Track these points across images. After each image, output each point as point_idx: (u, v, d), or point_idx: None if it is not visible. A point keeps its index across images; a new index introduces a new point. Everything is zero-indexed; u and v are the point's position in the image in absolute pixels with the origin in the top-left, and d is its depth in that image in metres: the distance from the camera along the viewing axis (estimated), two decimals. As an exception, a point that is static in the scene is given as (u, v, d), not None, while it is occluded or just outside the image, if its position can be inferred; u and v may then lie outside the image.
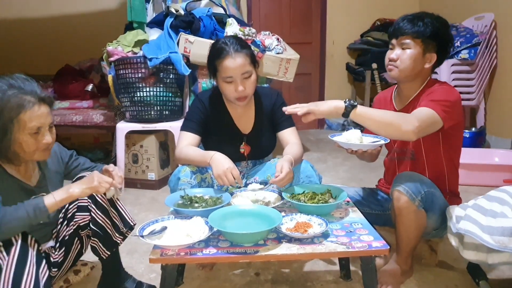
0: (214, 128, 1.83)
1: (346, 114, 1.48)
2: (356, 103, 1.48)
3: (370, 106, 1.98)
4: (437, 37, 1.61)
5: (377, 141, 1.63)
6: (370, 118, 1.49)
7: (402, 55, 1.64)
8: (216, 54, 1.71)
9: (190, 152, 1.73)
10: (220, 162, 1.59)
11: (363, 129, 1.72)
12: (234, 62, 1.66)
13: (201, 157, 1.67)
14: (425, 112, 1.51)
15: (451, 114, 1.55)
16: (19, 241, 1.27)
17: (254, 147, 1.86)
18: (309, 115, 1.51)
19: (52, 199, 1.29)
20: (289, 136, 1.83)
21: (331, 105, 1.50)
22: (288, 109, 1.54)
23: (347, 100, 1.49)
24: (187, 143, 1.76)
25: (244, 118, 1.86)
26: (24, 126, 1.30)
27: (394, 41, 1.67)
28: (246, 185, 1.85)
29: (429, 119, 1.50)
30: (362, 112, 1.48)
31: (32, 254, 1.27)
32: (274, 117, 1.86)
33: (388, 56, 1.69)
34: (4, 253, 1.24)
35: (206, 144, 1.85)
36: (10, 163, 1.38)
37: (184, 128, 1.82)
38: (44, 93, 1.35)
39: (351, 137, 1.61)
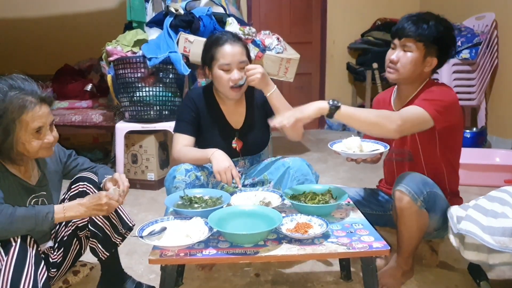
0: (206, 124, 1.83)
1: (330, 115, 1.45)
2: (339, 104, 1.45)
3: (371, 106, 1.98)
4: (440, 41, 1.60)
5: (376, 149, 1.62)
6: (354, 118, 1.48)
7: (402, 58, 1.63)
8: (214, 42, 1.73)
9: (190, 151, 1.74)
10: (221, 159, 1.62)
11: (362, 135, 1.72)
12: (233, 49, 1.70)
13: (201, 154, 1.70)
14: (413, 111, 1.51)
15: (444, 114, 1.54)
16: (18, 241, 1.26)
17: (246, 142, 1.85)
18: (298, 123, 1.46)
19: (61, 215, 1.32)
20: None
21: (315, 108, 1.46)
22: (276, 124, 1.48)
23: (330, 100, 1.46)
24: (183, 145, 1.77)
25: (235, 113, 1.86)
26: (26, 127, 1.30)
27: (396, 41, 1.65)
28: (244, 185, 1.85)
29: (416, 118, 1.50)
30: (346, 112, 1.46)
31: (31, 255, 1.27)
32: (268, 108, 1.82)
33: (388, 57, 1.68)
34: (3, 253, 1.24)
35: (198, 140, 1.84)
36: (14, 163, 1.39)
37: (177, 129, 1.81)
38: (44, 93, 1.36)
39: (351, 145, 1.61)
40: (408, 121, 1.48)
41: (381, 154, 1.71)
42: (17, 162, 1.38)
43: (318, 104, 1.46)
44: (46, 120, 1.34)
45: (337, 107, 1.44)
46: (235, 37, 1.75)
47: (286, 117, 1.46)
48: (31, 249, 1.28)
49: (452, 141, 1.68)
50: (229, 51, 1.69)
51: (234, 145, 1.84)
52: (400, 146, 1.76)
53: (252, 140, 1.87)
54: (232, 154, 1.81)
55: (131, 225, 1.54)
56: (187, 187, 1.65)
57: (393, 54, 1.65)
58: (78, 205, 1.34)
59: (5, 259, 1.23)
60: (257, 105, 1.87)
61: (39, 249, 1.34)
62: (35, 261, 1.27)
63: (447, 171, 1.72)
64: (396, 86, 1.81)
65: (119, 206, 1.53)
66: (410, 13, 1.66)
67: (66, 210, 1.32)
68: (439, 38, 1.59)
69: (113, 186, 1.43)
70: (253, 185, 1.83)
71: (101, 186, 1.50)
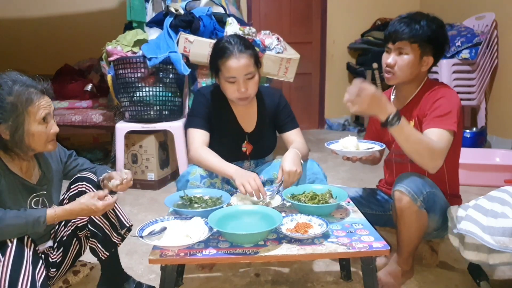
0: (217, 124, 1.81)
1: (384, 124, 1.47)
2: (399, 122, 1.45)
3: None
4: (434, 40, 1.60)
5: (372, 148, 1.62)
6: (404, 136, 1.48)
7: (399, 61, 1.62)
8: (220, 53, 1.68)
9: (209, 158, 1.66)
10: (244, 172, 1.58)
11: (363, 133, 1.71)
12: (238, 62, 1.64)
13: (222, 167, 1.62)
14: (444, 138, 1.53)
15: (459, 122, 1.58)
16: (15, 242, 1.26)
17: (256, 146, 1.84)
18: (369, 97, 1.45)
19: (53, 217, 1.32)
20: (294, 137, 1.83)
21: (381, 107, 1.45)
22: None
23: (396, 113, 1.46)
24: (201, 142, 1.72)
25: (247, 117, 1.85)
26: (34, 118, 1.34)
27: (390, 45, 1.64)
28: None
29: (448, 145, 1.54)
30: (402, 127, 1.46)
31: (28, 255, 1.26)
32: (278, 118, 1.85)
33: (385, 61, 1.67)
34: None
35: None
36: (20, 159, 1.40)
37: (192, 125, 1.77)
38: (43, 85, 1.39)
39: (348, 144, 1.62)
40: (444, 154, 1.53)
41: (381, 154, 1.71)
42: (23, 157, 1.40)
43: (386, 107, 1.45)
44: (49, 109, 1.38)
45: (399, 119, 1.45)
46: (242, 46, 1.67)
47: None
48: (28, 249, 1.28)
49: (454, 141, 1.68)
50: (234, 65, 1.64)
51: (244, 149, 1.83)
52: (400, 147, 1.76)
53: (262, 144, 1.86)
54: (240, 156, 1.81)
55: (128, 225, 1.55)
56: None
57: (389, 58, 1.64)
58: (70, 211, 1.35)
59: (1, 260, 1.23)
60: (268, 110, 1.85)
61: (37, 249, 1.34)
62: (32, 260, 1.27)
63: (448, 172, 1.72)
64: (394, 87, 1.81)
65: (118, 206, 1.54)
66: (400, 15, 1.65)
67: (58, 216, 1.33)
68: (433, 36, 1.59)
69: (124, 170, 1.47)
70: (262, 184, 1.82)
71: (100, 179, 1.51)
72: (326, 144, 1.67)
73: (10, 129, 1.32)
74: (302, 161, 1.65)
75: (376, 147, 1.66)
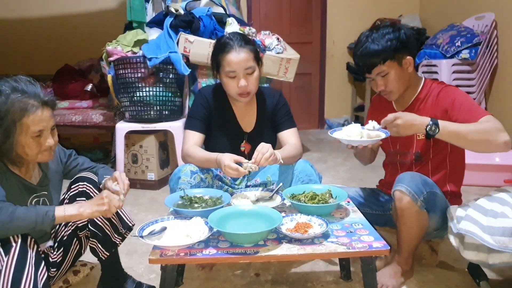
0: (216, 123, 1.82)
1: (429, 135, 1.48)
2: (438, 128, 1.47)
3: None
4: (401, 44, 1.60)
5: (378, 135, 1.61)
6: (457, 136, 1.48)
7: (387, 81, 1.64)
8: (220, 49, 1.71)
9: (197, 152, 1.72)
10: (220, 160, 1.59)
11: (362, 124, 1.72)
12: (238, 56, 1.67)
13: (206, 158, 1.67)
14: (492, 118, 1.52)
15: None
16: (19, 242, 1.26)
17: (254, 146, 1.84)
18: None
19: (62, 213, 1.29)
20: (289, 137, 1.82)
21: (416, 125, 1.49)
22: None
23: (431, 121, 1.48)
24: (192, 143, 1.76)
25: (247, 116, 1.85)
26: (27, 130, 1.30)
27: (368, 75, 1.67)
28: (247, 186, 1.84)
29: (498, 121, 1.52)
30: (447, 129, 1.47)
31: (31, 255, 1.26)
32: (276, 117, 1.86)
33: (376, 88, 1.69)
34: (3, 254, 1.23)
35: (207, 139, 1.83)
36: (14, 165, 1.39)
37: (188, 126, 1.81)
38: (47, 96, 1.36)
39: (351, 132, 1.61)
40: (503, 128, 1.49)
41: (375, 153, 1.71)
42: (16, 163, 1.39)
43: (420, 119, 1.49)
44: (47, 124, 1.34)
45: (437, 125, 1.47)
46: (243, 41, 1.71)
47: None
48: (31, 249, 1.28)
49: None
50: (234, 59, 1.67)
51: (242, 148, 1.83)
52: (405, 148, 1.77)
53: None
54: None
55: (131, 224, 1.55)
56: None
57: (377, 84, 1.67)
58: (79, 205, 1.34)
59: (5, 260, 1.23)
60: (268, 110, 1.86)
61: (39, 249, 1.34)
62: (35, 261, 1.27)
63: (450, 173, 1.72)
64: None
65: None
66: (358, 41, 1.66)
67: (67, 210, 1.31)
68: (398, 44, 1.59)
69: (114, 183, 1.43)
70: (256, 186, 1.82)
71: (101, 186, 1.50)
72: (330, 132, 1.65)
73: (0, 136, 1.30)
74: (282, 161, 1.63)
75: (382, 134, 1.64)
